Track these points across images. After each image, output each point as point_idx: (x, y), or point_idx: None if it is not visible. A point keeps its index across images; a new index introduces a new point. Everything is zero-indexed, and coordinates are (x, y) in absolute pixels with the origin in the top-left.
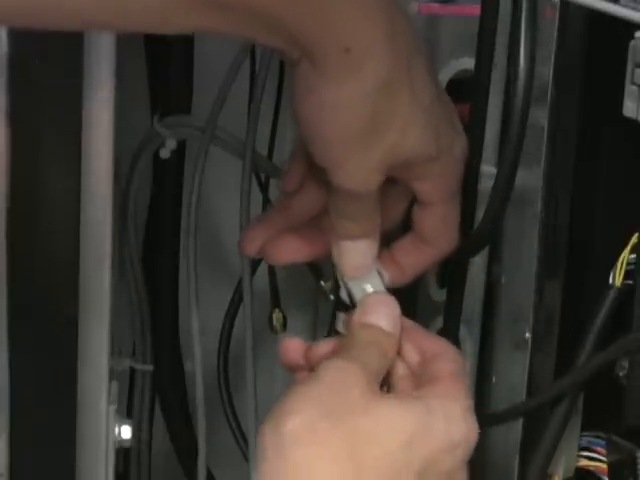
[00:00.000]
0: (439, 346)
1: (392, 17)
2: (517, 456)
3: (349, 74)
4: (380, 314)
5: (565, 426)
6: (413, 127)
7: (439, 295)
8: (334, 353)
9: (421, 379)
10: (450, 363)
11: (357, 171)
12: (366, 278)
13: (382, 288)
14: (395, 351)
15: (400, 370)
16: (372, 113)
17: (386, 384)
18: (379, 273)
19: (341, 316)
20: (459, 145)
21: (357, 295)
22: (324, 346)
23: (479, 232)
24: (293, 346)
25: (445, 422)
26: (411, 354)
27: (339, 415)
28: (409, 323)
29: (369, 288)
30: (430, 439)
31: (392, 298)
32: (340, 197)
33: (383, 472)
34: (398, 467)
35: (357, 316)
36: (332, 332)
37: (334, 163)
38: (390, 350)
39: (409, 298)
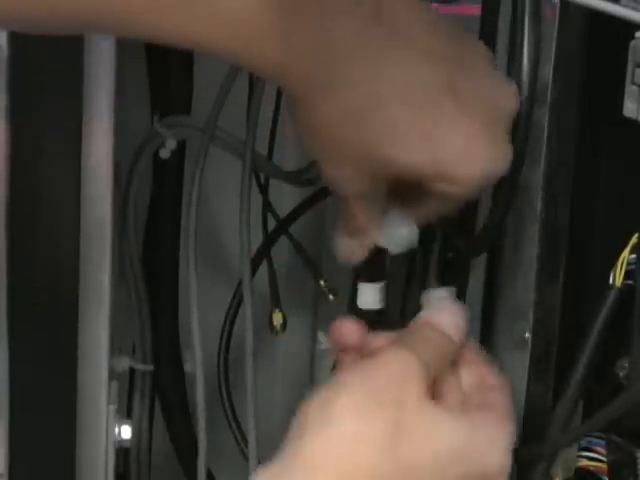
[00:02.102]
0: (499, 379)
1: (369, 32)
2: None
3: (319, 105)
4: (449, 320)
5: (568, 425)
6: (391, 150)
7: None
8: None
9: (471, 401)
10: (507, 398)
11: (339, 176)
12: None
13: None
14: (452, 359)
15: (453, 382)
16: (344, 137)
17: (434, 390)
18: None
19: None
20: (482, 162)
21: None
22: (383, 339)
23: (483, 234)
24: (353, 330)
25: (486, 448)
26: (468, 374)
27: (392, 407)
28: (477, 349)
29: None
30: (468, 459)
31: (463, 309)
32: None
33: (415, 472)
34: (431, 473)
35: (426, 314)
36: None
37: (322, 168)
38: (449, 356)
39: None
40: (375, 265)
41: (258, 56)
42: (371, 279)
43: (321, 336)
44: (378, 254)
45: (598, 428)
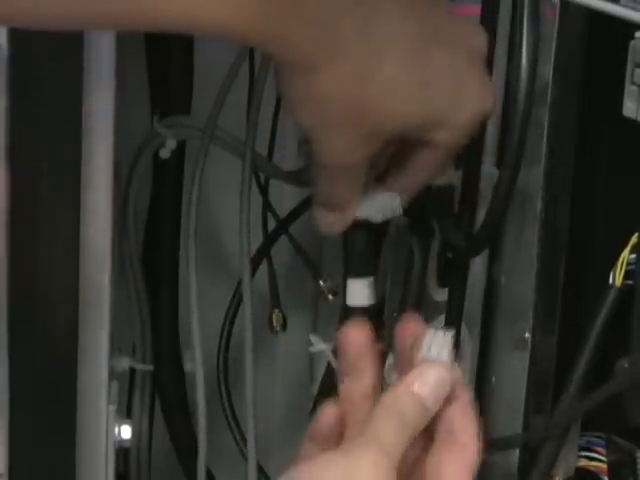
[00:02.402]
0: (464, 435)
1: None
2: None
3: (315, 73)
4: (431, 392)
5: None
6: (393, 105)
7: (440, 295)
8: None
9: (429, 461)
10: (459, 462)
11: (336, 146)
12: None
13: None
14: (423, 426)
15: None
16: (343, 102)
17: None
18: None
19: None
20: (472, 103)
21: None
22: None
23: (481, 233)
24: (357, 339)
25: None
26: (442, 429)
27: None
28: (465, 398)
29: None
30: None
31: (447, 375)
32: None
33: None
34: None
35: (412, 380)
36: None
37: (316, 141)
38: (422, 426)
39: (413, 299)
40: (363, 260)
41: (256, 28)
42: (358, 274)
43: (313, 338)
44: (365, 248)
45: (598, 404)
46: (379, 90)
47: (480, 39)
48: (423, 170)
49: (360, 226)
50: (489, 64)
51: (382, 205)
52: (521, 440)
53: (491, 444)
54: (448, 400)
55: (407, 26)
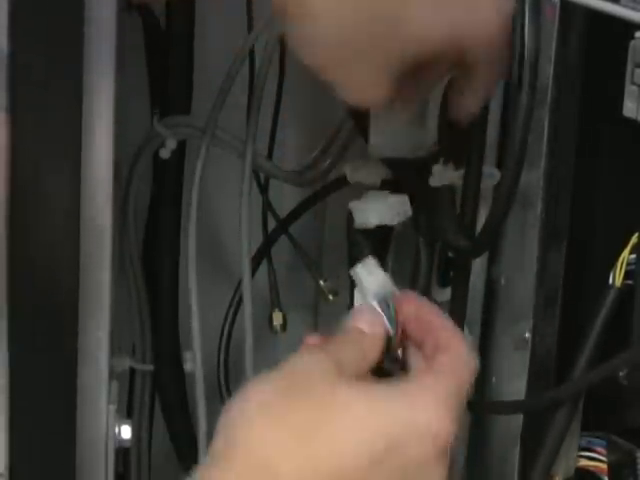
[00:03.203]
0: (449, 341)
1: None
2: (517, 449)
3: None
4: (362, 319)
5: (569, 425)
6: (411, 14)
7: (441, 295)
8: None
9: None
10: (452, 360)
11: (354, 84)
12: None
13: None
14: (377, 350)
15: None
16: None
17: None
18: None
19: None
20: (489, 23)
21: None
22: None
23: (483, 234)
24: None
25: (408, 409)
26: (428, 346)
27: (296, 397)
28: (433, 312)
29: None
30: (389, 426)
31: (375, 308)
32: None
33: (337, 456)
34: (352, 452)
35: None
36: None
37: (336, 82)
38: (370, 349)
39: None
40: None
41: None
42: None
43: None
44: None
45: (602, 378)
46: (393, 12)
47: None
48: (478, 90)
49: (364, 233)
50: None
51: (395, 208)
52: (524, 407)
53: (493, 409)
54: (419, 319)
55: None
